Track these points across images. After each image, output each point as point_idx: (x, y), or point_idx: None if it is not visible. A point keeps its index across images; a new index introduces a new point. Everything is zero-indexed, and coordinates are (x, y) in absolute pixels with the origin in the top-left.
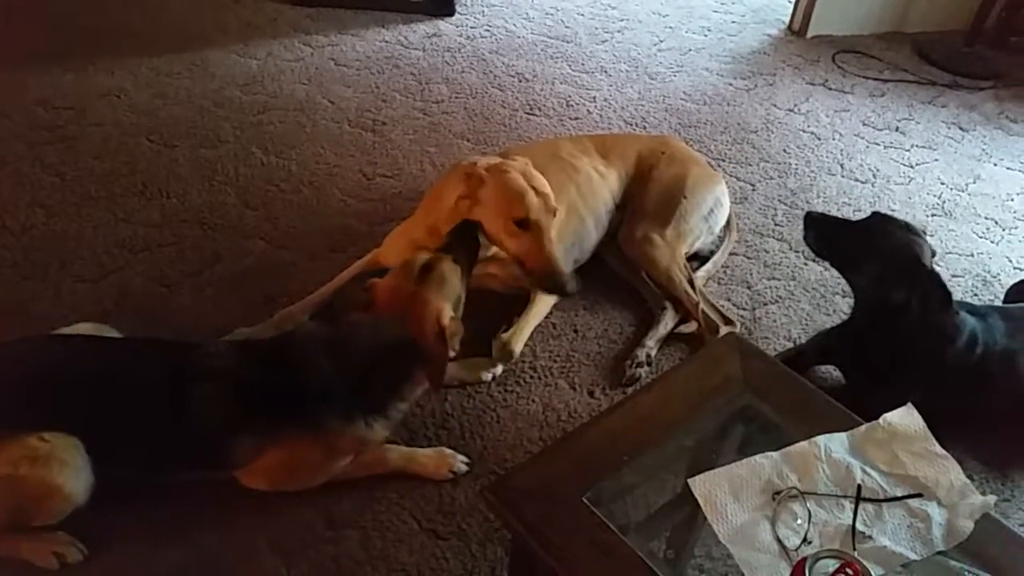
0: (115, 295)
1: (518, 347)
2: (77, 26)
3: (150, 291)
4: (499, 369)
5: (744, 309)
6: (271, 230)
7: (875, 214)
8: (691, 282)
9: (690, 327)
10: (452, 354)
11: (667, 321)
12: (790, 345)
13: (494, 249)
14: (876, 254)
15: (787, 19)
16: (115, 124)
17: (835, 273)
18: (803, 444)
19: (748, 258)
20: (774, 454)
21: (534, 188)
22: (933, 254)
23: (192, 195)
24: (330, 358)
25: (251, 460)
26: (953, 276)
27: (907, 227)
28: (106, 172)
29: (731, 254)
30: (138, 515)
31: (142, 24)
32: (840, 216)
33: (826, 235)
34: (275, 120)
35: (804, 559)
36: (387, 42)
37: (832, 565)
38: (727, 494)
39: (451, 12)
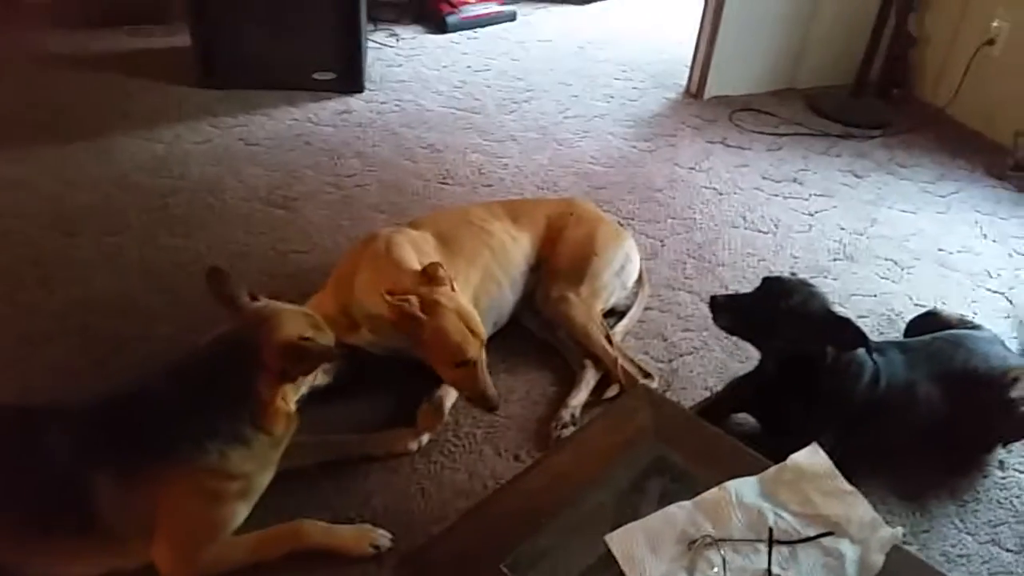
0: (17, 389)
1: (443, 415)
2: None
3: (54, 383)
4: (425, 438)
5: (662, 362)
6: (179, 313)
7: (766, 279)
8: (608, 338)
9: (613, 391)
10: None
11: (588, 379)
12: (708, 394)
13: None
14: (789, 317)
15: (684, 83)
16: (17, 215)
17: None
18: (714, 491)
19: (662, 311)
20: (687, 503)
21: (469, 327)
22: None
23: (96, 283)
24: (166, 385)
25: (129, 526)
26: (859, 316)
27: (801, 282)
28: (6, 265)
29: (646, 308)
30: None
31: (46, 115)
32: (738, 292)
33: (736, 315)
34: (182, 202)
35: None
36: (297, 120)
37: None
38: (644, 547)
39: (360, 89)
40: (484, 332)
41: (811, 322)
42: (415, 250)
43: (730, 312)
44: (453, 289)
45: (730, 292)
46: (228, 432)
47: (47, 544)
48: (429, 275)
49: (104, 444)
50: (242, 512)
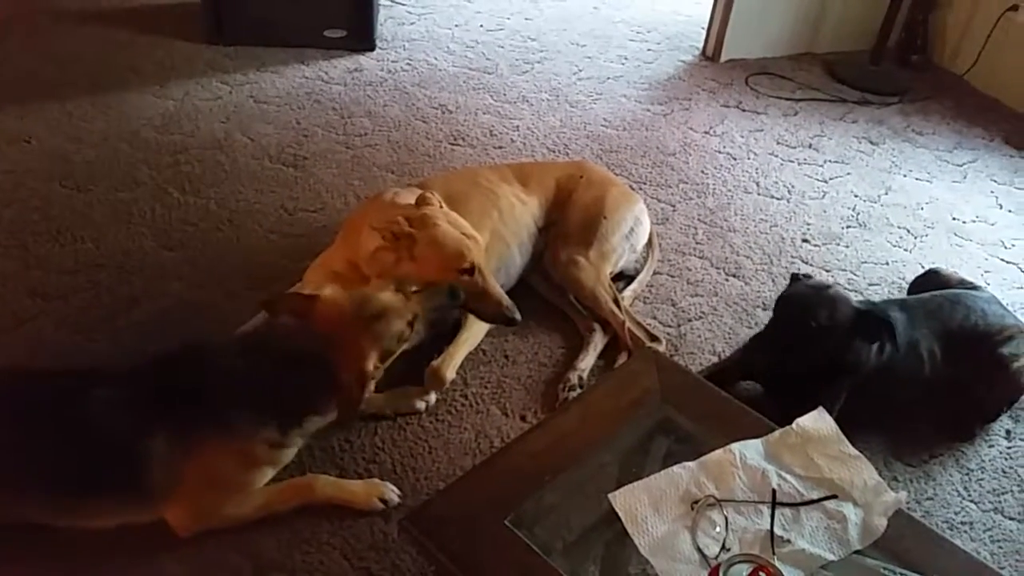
0: (29, 345)
1: (450, 374)
2: None
3: (65, 339)
4: (432, 398)
5: (670, 326)
6: (189, 271)
7: (781, 302)
8: (617, 301)
9: (623, 359)
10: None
11: (596, 343)
12: (716, 359)
13: None
14: (822, 335)
15: (700, 45)
16: (26, 170)
17: (755, 287)
18: (719, 452)
19: (671, 276)
20: (691, 464)
21: (464, 233)
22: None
23: (107, 239)
24: (245, 358)
25: (169, 486)
26: (870, 284)
27: (817, 292)
28: (17, 220)
29: (655, 273)
30: (56, 569)
31: (53, 71)
32: (759, 332)
33: (772, 355)
34: (193, 160)
35: (718, 565)
36: (307, 78)
37: (746, 570)
38: (647, 506)
39: (371, 47)
40: (480, 236)
41: (842, 330)
42: None
43: (765, 353)
44: (442, 207)
45: (754, 334)
46: (292, 416)
47: (84, 502)
48: (419, 203)
49: (163, 408)
50: (269, 476)
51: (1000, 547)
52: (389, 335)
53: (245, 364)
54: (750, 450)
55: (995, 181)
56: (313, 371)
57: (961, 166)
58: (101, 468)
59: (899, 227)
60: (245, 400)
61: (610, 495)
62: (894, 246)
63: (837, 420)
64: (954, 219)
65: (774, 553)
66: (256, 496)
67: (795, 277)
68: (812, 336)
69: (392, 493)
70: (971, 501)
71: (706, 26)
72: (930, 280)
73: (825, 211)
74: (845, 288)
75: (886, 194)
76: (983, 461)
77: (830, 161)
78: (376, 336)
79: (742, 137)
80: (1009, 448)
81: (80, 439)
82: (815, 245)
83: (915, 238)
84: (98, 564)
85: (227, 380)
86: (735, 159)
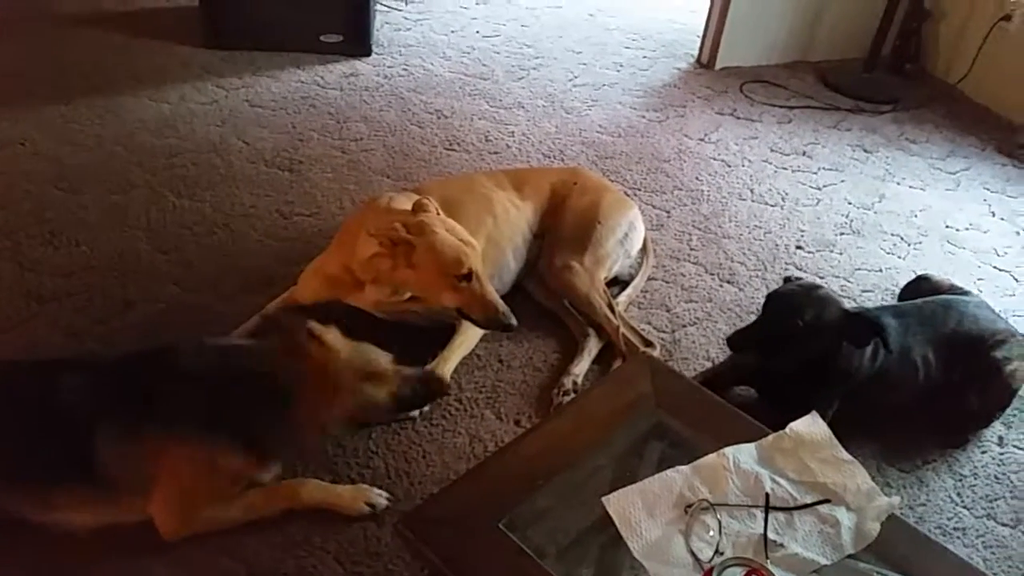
0: (21, 347)
1: (444, 378)
2: None
3: (57, 342)
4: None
5: (664, 332)
6: (184, 274)
7: (771, 298)
8: (611, 307)
9: (618, 365)
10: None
11: (591, 348)
12: (709, 365)
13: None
14: (808, 334)
15: (695, 53)
16: (20, 173)
17: (749, 293)
18: (712, 456)
19: (666, 282)
20: (685, 468)
21: (461, 239)
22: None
23: (102, 242)
24: (214, 368)
25: (133, 483)
26: (863, 291)
27: (806, 291)
28: (11, 222)
29: (649, 279)
30: (44, 572)
31: (48, 74)
32: (748, 324)
33: (757, 347)
34: (188, 163)
35: (711, 568)
36: (303, 82)
37: (739, 573)
38: (641, 510)
39: (368, 52)
40: (476, 242)
41: (830, 331)
42: None
43: (749, 347)
44: (439, 214)
45: (740, 327)
46: (244, 434)
47: (49, 491)
48: (415, 209)
49: (117, 400)
50: (238, 488)
51: (992, 553)
52: (368, 397)
53: (211, 374)
54: (743, 454)
55: (988, 189)
56: (274, 398)
57: (954, 174)
58: (59, 457)
59: (892, 234)
60: (199, 407)
61: (604, 499)
62: (888, 253)
63: (830, 425)
64: (947, 227)
65: (767, 557)
66: (238, 500)
67: (788, 280)
68: (798, 335)
69: (379, 497)
70: (964, 507)
71: (701, 34)
72: (920, 286)
73: (819, 218)
74: (839, 295)
75: (880, 201)
76: (976, 467)
77: (824, 168)
78: (356, 394)
79: (736, 144)
80: (1002, 454)
81: (42, 428)
82: (809, 252)
83: (909, 245)
84: (87, 567)
85: (188, 386)
86: (729, 166)
